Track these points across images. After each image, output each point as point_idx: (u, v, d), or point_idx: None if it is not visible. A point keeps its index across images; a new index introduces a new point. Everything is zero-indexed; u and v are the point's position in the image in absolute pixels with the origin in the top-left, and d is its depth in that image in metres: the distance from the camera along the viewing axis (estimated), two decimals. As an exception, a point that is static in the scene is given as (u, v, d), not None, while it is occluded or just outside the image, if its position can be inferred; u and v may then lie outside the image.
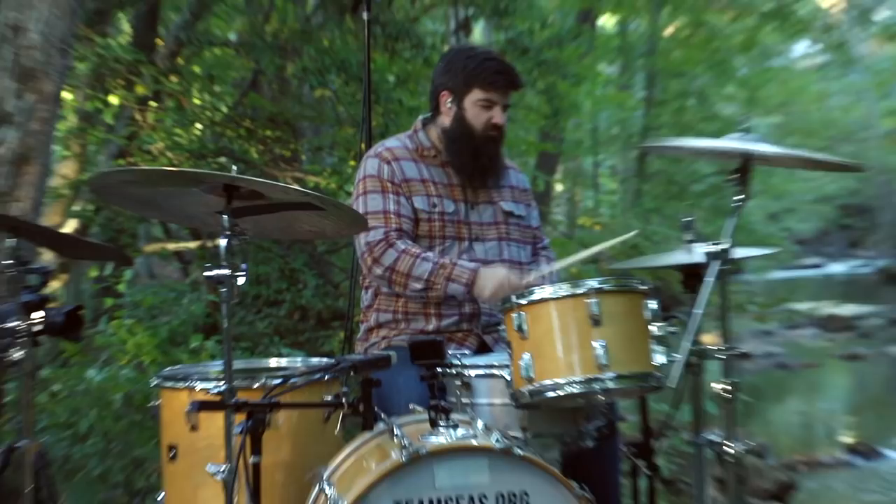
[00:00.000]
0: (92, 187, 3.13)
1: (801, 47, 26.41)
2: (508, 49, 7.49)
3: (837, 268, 27.55)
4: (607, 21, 16.78)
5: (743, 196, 2.97)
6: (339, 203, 2.97)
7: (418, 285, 3.48)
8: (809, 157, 3.10)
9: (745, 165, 2.98)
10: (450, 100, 3.64)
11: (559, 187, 18.82)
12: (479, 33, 16.00)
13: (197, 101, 8.15)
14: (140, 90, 7.01)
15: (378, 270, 3.50)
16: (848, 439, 8.65)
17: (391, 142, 3.74)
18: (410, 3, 8.75)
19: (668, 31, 15.35)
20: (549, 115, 9.23)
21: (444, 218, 3.57)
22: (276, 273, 8.98)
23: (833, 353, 13.68)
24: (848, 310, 17.35)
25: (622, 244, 3.59)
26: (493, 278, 3.42)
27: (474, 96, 3.59)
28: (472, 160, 3.62)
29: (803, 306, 14.95)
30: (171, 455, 3.01)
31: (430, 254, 3.52)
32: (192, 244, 9.08)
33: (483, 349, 3.54)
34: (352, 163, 8.18)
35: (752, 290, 14.01)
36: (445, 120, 3.66)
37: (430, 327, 3.55)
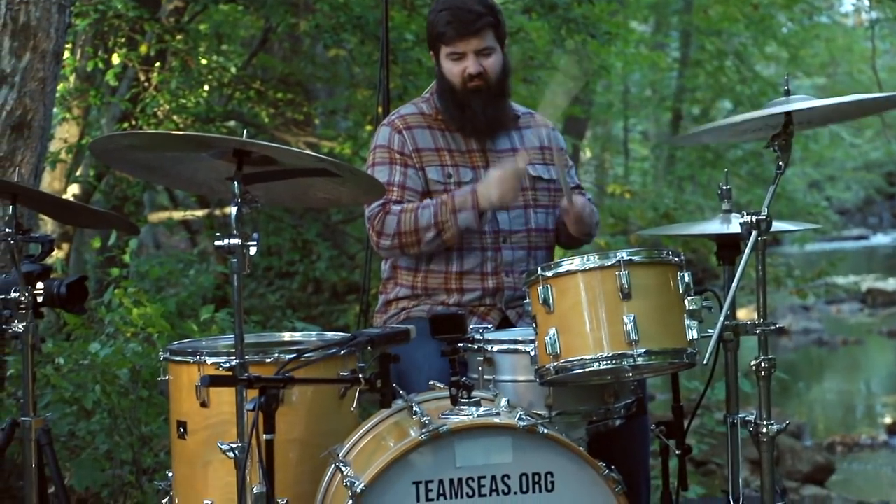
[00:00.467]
0: (94, 151, 3.15)
1: (848, 2, 26.17)
2: (535, 5, 7.45)
3: (882, 239, 27.41)
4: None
5: (783, 163, 2.96)
6: (355, 169, 2.98)
7: (430, 234, 3.49)
8: (852, 100, 3.07)
9: (785, 129, 2.97)
10: (434, 60, 3.67)
11: (588, 153, 18.76)
12: (503, -12, 15.92)
13: (204, 62, 8.16)
14: (144, 50, 7.02)
15: (386, 242, 3.52)
16: (889, 420, 8.65)
17: (407, 108, 3.74)
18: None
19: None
20: (578, 75, 9.20)
21: (462, 187, 3.57)
22: (288, 244, 9.03)
23: (875, 329, 13.64)
24: (892, 284, 17.29)
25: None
26: (492, 184, 3.43)
27: (443, 52, 3.61)
28: (461, 115, 3.61)
29: (845, 280, 14.91)
30: (180, 432, 3.05)
31: (426, 200, 3.53)
32: (200, 212, 9.12)
33: (505, 324, 3.55)
34: (368, 127, 8.18)
35: (792, 262, 13.95)
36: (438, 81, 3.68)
37: (452, 301, 3.57)
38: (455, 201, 3.47)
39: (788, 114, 2.95)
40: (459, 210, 3.47)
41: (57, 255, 6.52)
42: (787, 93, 3.06)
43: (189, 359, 3.04)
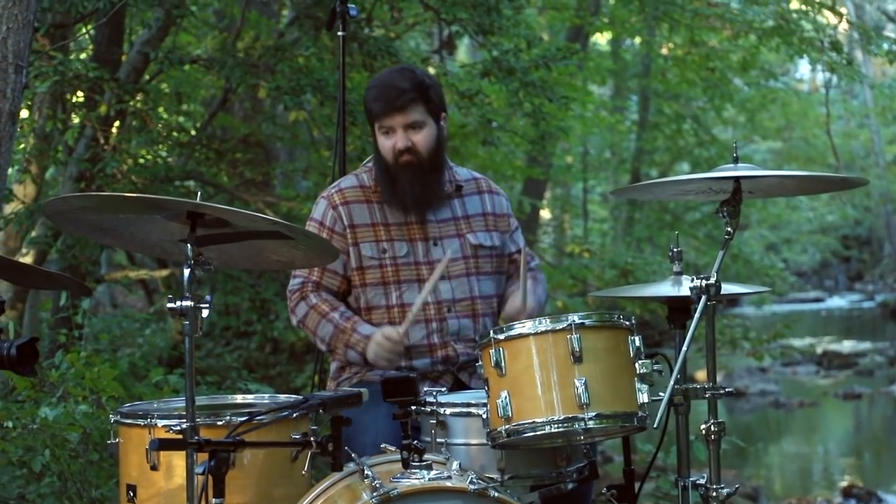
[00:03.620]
0: (47, 213, 3.15)
1: (804, 69, 26.62)
2: (493, 69, 7.53)
3: (838, 302, 27.69)
4: (599, 39, 16.89)
5: (731, 229, 3.01)
6: (308, 232, 3.00)
7: (322, 346, 3.65)
8: (796, 175, 3.12)
9: (734, 196, 3.02)
10: (372, 135, 3.72)
11: (547, 214, 18.89)
12: (463, 52, 16.09)
13: (164, 121, 8.16)
14: (103, 110, 7.02)
15: (294, 320, 3.67)
16: (845, 483, 8.69)
17: (347, 180, 3.76)
18: (391, 20, 8.80)
19: (664, 50, 15.43)
20: (535, 138, 9.29)
21: (397, 262, 3.60)
22: (246, 303, 8.99)
23: (831, 391, 13.74)
24: (847, 346, 17.45)
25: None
26: (376, 344, 3.49)
27: (376, 127, 3.65)
28: (392, 190, 3.64)
29: (801, 342, 15.03)
30: (129, 496, 3.02)
31: (335, 314, 3.58)
32: (159, 273, 9.08)
33: (458, 387, 3.56)
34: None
35: (748, 323, 14.06)
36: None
37: (404, 366, 3.57)
38: (351, 338, 3.55)
39: (737, 180, 3.00)
40: (351, 347, 3.56)
41: (10, 314, 6.46)
42: (736, 160, 3.11)
43: (140, 421, 3.02)
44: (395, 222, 3.66)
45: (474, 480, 2.77)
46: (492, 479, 2.95)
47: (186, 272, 2.70)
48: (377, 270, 3.59)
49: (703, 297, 2.94)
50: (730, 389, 3.15)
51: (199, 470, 2.63)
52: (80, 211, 2.90)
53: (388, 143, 3.61)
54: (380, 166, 3.67)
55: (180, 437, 2.70)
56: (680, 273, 3.38)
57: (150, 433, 2.96)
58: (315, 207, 3.73)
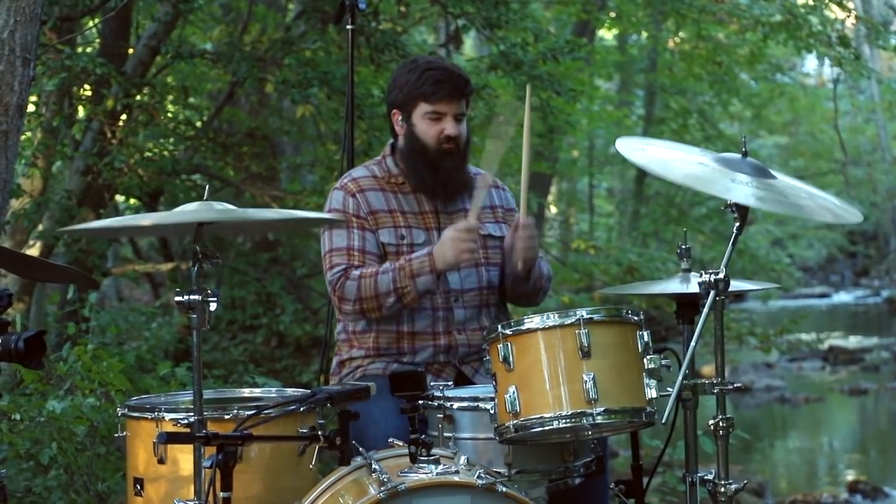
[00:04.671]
0: (58, 234, 3.16)
1: (811, 64, 26.55)
2: (501, 62, 7.52)
3: (844, 297, 27.65)
4: (606, 35, 16.86)
5: (740, 224, 3.00)
6: (314, 216, 3.01)
7: (391, 299, 3.49)
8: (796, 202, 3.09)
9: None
10: (400, 118, 3.66)
11: (552, 209, 18.87)
12: (469, 46, 16.07)
13: (171, 113, 8.16)
14: (110, 103, 7.02)
15: (347, 307, 3.54)
16: (851, 478, 8.68)
17: (358, 171, 3.75)
18: (398, 14, 8.79)
19: (670, 44, 15.39)
20: (542, 132, 9.28)
21: (414, 249, 3.58)
22: (252, 297, 9.00)
23: (837, 387, 13.72)
24: (853, 342, 17.42)
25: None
26: (447, 244, 3.44)
27: (421, 110, 3.60)
28: (431, 177, 3.62)
29: (807, 337, 15.00)
30: (137, 489, 3.03)
31: (385, 265, 3.53)
32: (165, 266, 9.08)
33: (461, 380, 3.55)
34: (333, 182, 8.18)
35: (755, 318, 14.04)
36: (401, 140, 3.68)
37: (405, 360, 3.56)
38: (413, 266, 3.48)
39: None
40: (418, 274, 3.48)
41: (17, 307, 6.46)
42: (745, 154, 3.10)
43: (147, 415, 3.02)
44: (410, 210, 3.65)
45: (482, 475, 2.76)
46: (499, 473, 2.94)
47: (194, 265, 2.70)
48: (394, 257, 3.57)
49: (712, 293, 2.93)
50: (738, 385, 3.15)
51: (206, 463, 2.63)
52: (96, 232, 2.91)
53: (435, 129, 3.59)
54: (414, 153, 3.63)
55: (188, 430, 2.70)
56: (688, 270, 3.37)
57: (157, 426, 2.97)
58: (331, 199, 3.69)
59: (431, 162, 3.61)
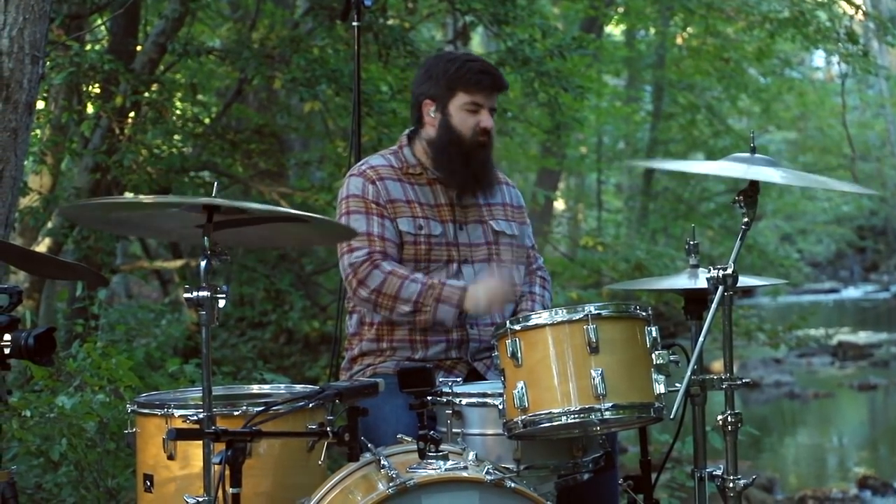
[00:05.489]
0: (62, 212, 3.17)
1: (820, 59, 26.46)
2: (508, 59, 7.51)
3: (853, 292, 27.60)
4: (614, 31, 16.85)
5: (748, 220, 3.00)
6: (322, 217, 3.01)
7: (406, 308, 3.47)
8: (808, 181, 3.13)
9: (751, 187, 3.01)
10: (433, 108, 3.62)
11: (560, 205, 18.87)
12: (477, 42, 16.06)
13: (179, 110, 8.17)
14: (119, 101, 7.03)
15: (363, 293, 3.49)
16: (860, 474, 8.67)
17: (375, 159, 3.71)
18: (405, 10, 8.79)
19: (678, 40, 15.37)
20: (550, 128, 9.27)
21: (431, 241, 3.57)
22: (260, 294, 9.02)
23: (846, 382, 13.70)
24: (862, 337, 17.39)
25: None
26: (485, 289, 3.44)
27: (459, 100, 3.58)
28: (463, 168, 3.60)
29: (816, 333, 14.98)
30: (146, 485, 3.03)
31: (418, 275, 3.50)
32: (174, 263, 9.10)
33: (474, 377, 3.55)
34: (342, 179, 8.18)
35: (764, 314, 14.02)
36: (430, 130, 3.64)
37: (417, 356, 3.54)
38: (444, 291, 3.46)
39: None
40: (444, 300, 3.46)
41: (27, 304, 6.48)
42: (753, 150, 3.10)
43: (157, 411, 3.03)
44: (426, 202, 3.63)
45: (490, 471, 2.76)
46: (508, 469, 2.94)
47: (203, 262, 2.70)
48: (411, 247, 3.56)
49: (721, 288, 2.93)
50: (746, 380, 3.15)
51: (216, 459, 2.64)
52: (98, 208, 2.91)
53: (473, 120, 3.58)
54: (447, 142, 3.60)
55: (197, 426, 2.71)
56: (697, 266, 3.37)
57: (167, 423, 2.97)
58: (348, 184, 3.64)
59: (466, 153, 3.60)
